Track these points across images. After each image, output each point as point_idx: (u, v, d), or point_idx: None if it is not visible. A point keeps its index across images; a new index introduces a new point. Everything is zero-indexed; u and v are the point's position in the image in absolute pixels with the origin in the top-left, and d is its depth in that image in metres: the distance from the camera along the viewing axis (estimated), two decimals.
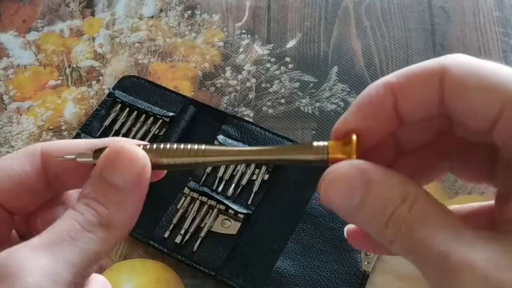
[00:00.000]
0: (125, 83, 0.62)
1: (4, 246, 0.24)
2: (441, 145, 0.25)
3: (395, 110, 0.24)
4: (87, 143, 0.27)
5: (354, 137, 0.24)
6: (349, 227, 0.28)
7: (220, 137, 0.56)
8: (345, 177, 0.23)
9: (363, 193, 0.22)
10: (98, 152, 0.26)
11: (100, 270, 0.52)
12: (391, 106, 0.24)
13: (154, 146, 0.27)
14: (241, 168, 0.55)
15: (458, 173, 0.28)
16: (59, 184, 0.28)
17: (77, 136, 0.58)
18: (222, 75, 0.63)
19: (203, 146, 0.26)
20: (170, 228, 0.52)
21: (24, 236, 0.28)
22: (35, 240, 0.23)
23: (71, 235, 0.23)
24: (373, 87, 0.24)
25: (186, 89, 0.62)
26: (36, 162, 0.27)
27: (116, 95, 0.60)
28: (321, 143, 0.25)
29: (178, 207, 0.53)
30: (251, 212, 0.53)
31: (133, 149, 0.25)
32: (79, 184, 0.27)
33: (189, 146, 0.27)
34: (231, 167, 0.55)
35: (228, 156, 0.26)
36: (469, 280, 0.20)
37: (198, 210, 0.53)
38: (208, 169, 0.55)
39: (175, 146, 0.27)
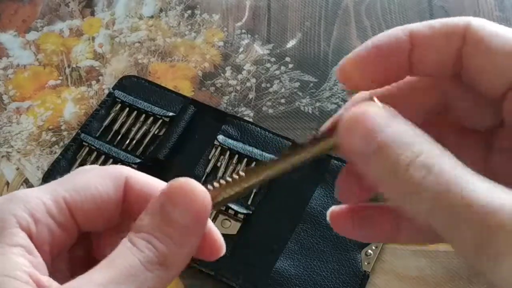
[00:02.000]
0: (125, 83, 0.62)
1: (60, 259, 0.24)
2: (433, 130, 0.24)
3: (409, 58, 0.23)
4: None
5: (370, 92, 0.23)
6: (332, 209, 0.26)
7: (220, 137, 0.56)
8: (365, 118, 0.22)
9: (383, 136, 0.21)
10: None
11: None
12: (407, 52, 0.23)
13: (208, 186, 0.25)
14: (241, 168, 0.55)
15: None
16: (132, 214, 0.26)
17: (77, 136, 0.58)
18: (222, 75, 0.63)
19: (241, 172, 0.26)
20: None
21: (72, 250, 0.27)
22: (97, 276, 0.22)
23: (132, 273, 0.23)
24: (393, 30, 0.23)
25: (186, 89, 0.62)
26: (119, 189, 0.26)
27: (116, 95, 0.60)
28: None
29: None
30: (251, 212, 0.52)
31: (196, 185, 0.24)
32: None
33: (231, 176, 0.26)
34: (231, 167, 0.55)
35: (269, 171, 0.25)
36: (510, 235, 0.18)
37: None
38: (208, 169, 0.55)
39: (221, 181, 0.26)
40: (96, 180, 0.26)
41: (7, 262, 0.22)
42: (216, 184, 0.25)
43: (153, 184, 0.27)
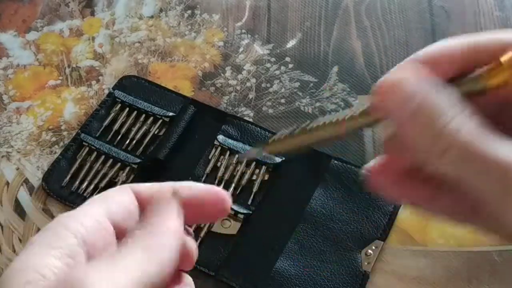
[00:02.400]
0: (125, 83, 0.62)
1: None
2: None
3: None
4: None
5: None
6: (370, 164, 0.28)
7: (220, 137, 0.56)
8: (408, 81, 0.24)
9: (422, 98, 0.23)
10: None
11: None
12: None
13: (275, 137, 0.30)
14: (241, 168, 0.55)
15: None
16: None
17: (77, 136, 0.58)
18: (222, 75, 0.63)
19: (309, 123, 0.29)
20: None
21: None
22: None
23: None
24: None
25: (186, 89, 0.62)
26: (132, 196, 0.30)
27: (116, 95, 0.60)
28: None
29: None
30: (251, 212, 0.52)
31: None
32: None
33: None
34: (231, 167, 0.55)
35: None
36: None
37: None
38: (208, 169, 0.55)
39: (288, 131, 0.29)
40: (116, 193, 0.29)
41: (40, 259, 0.23)
42: (276, 137, 0.29)
43: (150, 186, 0.31)
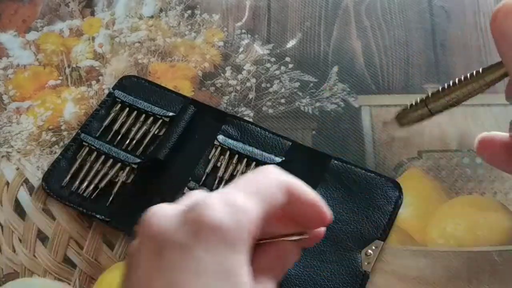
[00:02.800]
0: (125, 83, 0.62)
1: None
2: None
3: None
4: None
5: None
6: (484, 136, 0.30)
7: (220, 137, 0.56)
8: None
9: None
10: None
11: (101, 270, 0.52)
12: None
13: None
14: (241, 168, 0.55)
15: None
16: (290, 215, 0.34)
17: (77, 136, 0.58)
18: (222, 75, 0.63)
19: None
20: None
21: None
22: None
23: None
24: None
25: (186, 89, 0.62)
26: (285, 197, 0.32)
27: (116, 95, 0.60)
28: None
29: None
30: None
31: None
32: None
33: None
34: (231, 167, 0.55)
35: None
36: None
37: None
38: (208, 169, 0.55)
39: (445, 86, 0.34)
40: (274, 190, 0.31)
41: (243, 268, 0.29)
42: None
43: (308, 193, 0.33)
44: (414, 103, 0.36)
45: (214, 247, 0.28)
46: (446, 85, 0.35)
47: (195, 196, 0.31)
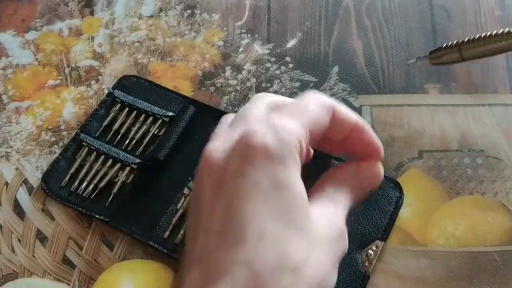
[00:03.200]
0: (124, 82, 0.61)
1: None
2: None
3: None
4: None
5: None
6: None
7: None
8: None
9: None
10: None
11: (100, 271, 0.52)
12: None
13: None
14: None
15: None
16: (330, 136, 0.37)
17: (77, 136, 0.58)
18: (222, 74, 0.63)
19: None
20: (170, 228, 0.52)
21: None
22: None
23: None
24: None
25: (186, 89, 0.62)
26: (330, 118, 0.36)
27: (116, 95, 0.60)
28: None
29: (178, 207, 0.53)
30: None
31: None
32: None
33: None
34: None
35: None
36: None
37: None
38: None
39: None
40: (320, 111, 0.35)
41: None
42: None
43: (349, 116, 0.37)
44: (448, 45, 0.39)
45: (264, 167, 0.31)
46: (481, 35, 0.37)
47: (240, 127, 0.34)
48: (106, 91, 0.62)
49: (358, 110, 0.59)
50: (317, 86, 0.61)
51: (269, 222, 0.30)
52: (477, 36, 0.38)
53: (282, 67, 0.63)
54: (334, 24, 0.66)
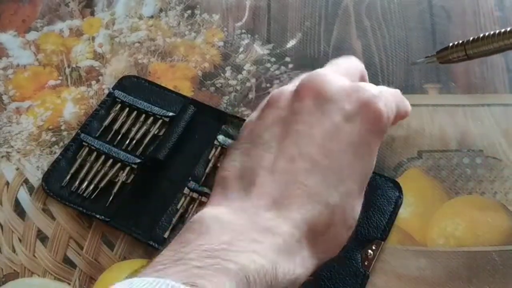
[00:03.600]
0: (124, 83, 0.62)
1: None
2: None
3: None
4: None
5: None
6: None
7: (220, 137, 0.56)
8: None
9: None
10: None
11: (101, 271, 0.52)
12: None
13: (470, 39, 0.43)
14: None
15: None
16: None
17: (77, 136, 0.58)
18: (222, 75, 0.63)
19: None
20: (170, 228, 0.52)
21: None
22: None
23: None
24: None
25: (186, 89, 0.62)
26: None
27: (116, 95, 0.60)
28: None
29: (178, 207, 0.53)
30: None
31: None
32: None
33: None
34: None
35: None
36: None
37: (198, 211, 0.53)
38: (208, 169, 0.55)
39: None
40: (355, 72, 0.48)
41: None
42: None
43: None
44: (455, 45, 0.42)
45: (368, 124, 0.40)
46: (486, 34, 0.39)
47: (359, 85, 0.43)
48: (106, 91, 0.62)
49: None
50: None
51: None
52: (482, 35, 0.40)
53: (282, 67, 0.63)
54: (333, 24, 0.66)
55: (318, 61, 0.63)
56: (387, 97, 0.42)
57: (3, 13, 0.70)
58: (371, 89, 0.41)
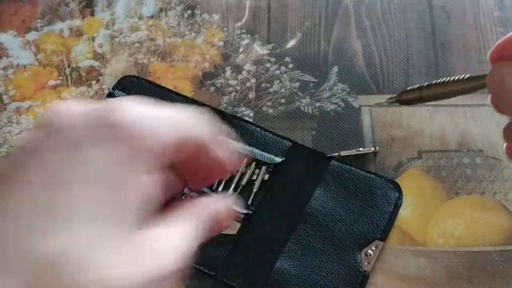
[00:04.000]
0: (124, 83, 0.62)
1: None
2: None
3: None
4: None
5: None
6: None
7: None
8: None
9: None
10: None
11: None
12: None
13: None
14: (241, 168, 0.55)
15: None
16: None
17: None
18: (222, 75, 0.63)
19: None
20: None
21: None
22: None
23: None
24: None
25: (186, 89, 0.62)
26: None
27: (116, 95, 0.60)
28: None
29: None
30: (251, 212, 0.52)
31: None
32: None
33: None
34: None
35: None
36: None
37: None
38: None
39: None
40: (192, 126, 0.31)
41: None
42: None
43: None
44: (413, 88, 0.44)
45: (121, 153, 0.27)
46: (441, 80, 0.41)
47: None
48: (106, 91, 0.62)
49: (357, 110, 0.60)
50: (317, 86, 0.62)
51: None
52: (437, 81, 0.44)
53: (282, 67, 0.63)
54: (333, 24, 0.66)
55: (318, 62, 0.64)
56: None
57: (3, 13, 0.70)
58: None
